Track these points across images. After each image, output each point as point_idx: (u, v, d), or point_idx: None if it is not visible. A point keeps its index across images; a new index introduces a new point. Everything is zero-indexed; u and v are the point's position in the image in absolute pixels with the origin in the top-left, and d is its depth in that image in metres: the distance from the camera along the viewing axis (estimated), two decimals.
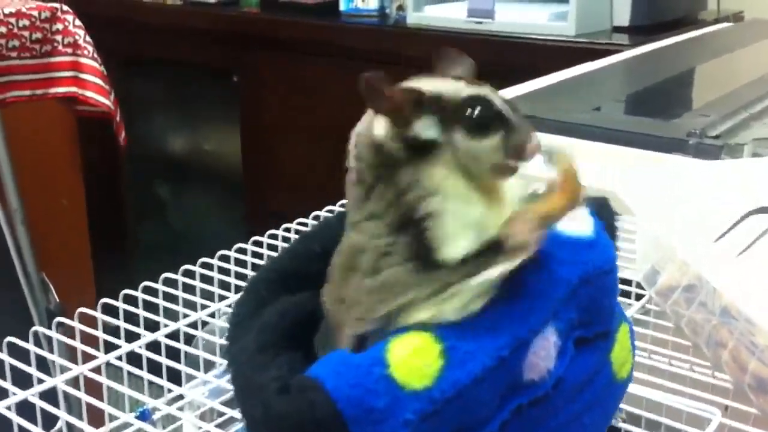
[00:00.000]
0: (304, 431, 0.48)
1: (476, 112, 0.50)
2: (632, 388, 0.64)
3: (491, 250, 0.50)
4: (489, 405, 0.52)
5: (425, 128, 0.50)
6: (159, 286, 0.81)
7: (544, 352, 0.53)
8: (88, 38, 2.12)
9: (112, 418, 0.67)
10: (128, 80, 2.62)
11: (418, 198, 0.50)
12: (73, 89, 2.13)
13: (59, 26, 2.08)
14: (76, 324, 0.76)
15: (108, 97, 2.13)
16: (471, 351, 0.51)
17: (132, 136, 2.19)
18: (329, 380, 0.48)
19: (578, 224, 0.57)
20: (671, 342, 0.81)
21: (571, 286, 0.55)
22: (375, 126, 0.51)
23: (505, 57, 2.06)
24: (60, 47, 2.11)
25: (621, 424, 0.70)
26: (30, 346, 0.71)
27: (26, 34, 2.04)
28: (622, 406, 0.70)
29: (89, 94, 2.14)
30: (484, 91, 0.51)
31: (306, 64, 2.41)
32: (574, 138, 1.15)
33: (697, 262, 0.70)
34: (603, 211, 0.60)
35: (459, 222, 0.50)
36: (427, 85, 0.51)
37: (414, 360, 0.49)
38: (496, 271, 0.49)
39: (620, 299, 0.86)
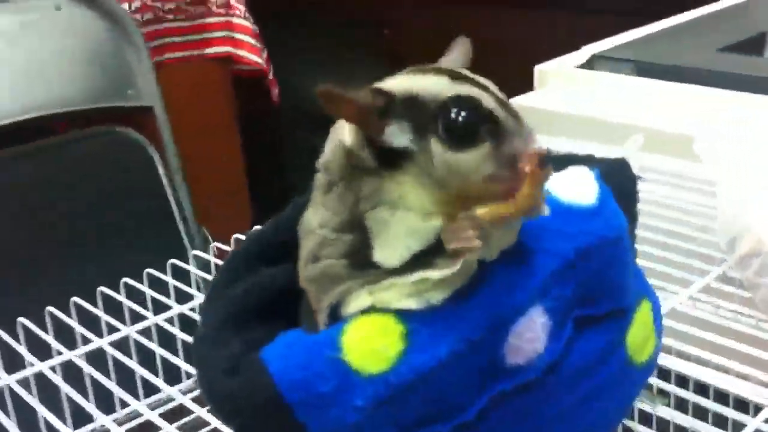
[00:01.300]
0: (244, 414, 0.45)
1: (458, 117, 0.42)
2: None
3: (435, 251, 0.44)
4: (461, 392, 0.46)
5: (395, 135, 0.44)
6: None
7: (530, 334, 0.47)
8: None
9: None
10: (281, 35, 2.64)
11: (374, 207, 0.45)
12: (227, 49, 2.17)
13: None
14: None
15: (260, 55, 2.15)
16: (436, 334, 0.45)
17: (286, 89, 2.21)
18: (274, 362, 0.45)
19: (579, 191, 0.50)
20: None
21: (565, 260, 0.48)
22: (343, 132, 0.46)
23: None
24: (213, 8, 2.15)
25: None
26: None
27: None
28: None
29: (242, 53, 2.17)
30: (471, 89, 0.43)
31: (458, 15, 2.34)
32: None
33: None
34: (616, 175, 0.52)
35: (408, 234, 0.44)
36: (403, 83, 0.45)
37: (370, 343, 0.45)
38: (436, 274, 0.44)
39: (699, 264, 0.78)
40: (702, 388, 0.65)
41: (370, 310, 0.46)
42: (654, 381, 0.65)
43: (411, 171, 0.44)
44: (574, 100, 1.07)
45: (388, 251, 0.45)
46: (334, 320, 0.47)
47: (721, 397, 0.64)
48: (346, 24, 2.60)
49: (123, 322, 0.77)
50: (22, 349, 0.72)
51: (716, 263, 0.75)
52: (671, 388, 0.66)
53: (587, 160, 0.54)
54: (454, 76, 0.44)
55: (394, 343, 0.45)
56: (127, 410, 0.69)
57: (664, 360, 0.65)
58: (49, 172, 1.60)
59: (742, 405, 0.62)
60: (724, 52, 1.15)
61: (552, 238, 0.48)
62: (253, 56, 2.16)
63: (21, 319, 0.75)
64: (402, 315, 0.45)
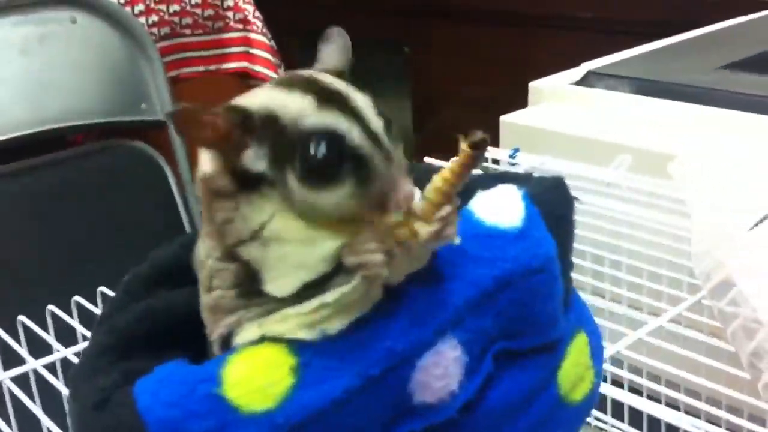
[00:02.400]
0: None
1: (317, 153, 0.37)
2: None
3: (331, 273, 0.39)
4: None
5: (253, 161, 0.39)
6: None
7: (439, 370, 0.42)
8: (257, 14, 2.11)
9: None
10: (307, 53, 2.61)
11: (237, 235, 0.40)
12: (244, 64, 2.14)
13: (230, 3, 2.09)
14: None
15: (276, 71, 2.12)
16: (330, 368, 0.40)
17: None
18: (143, 398, 0.39)
19: (503, 212, 0.44)
20: None
21: (482, 288, 0.42)
22: (202, 159, 0.41)
23: None
24: (231, 23, 2.12)
25: None
26: None
27: (199, 11, 2.06)
28: None
29: (259, 68, 2.14)
30: (337, 119, 0.38)
31: (478, 33, 2.30)
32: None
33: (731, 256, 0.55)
34: (549, 196, 0.46)
35: (288, 264, 0.39)
36: (266, 100, 0.39)
37: (255, 377, 0.40)
38: (333, 295, 0.39)
39: (671, 291, 0.71)
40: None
41: (260, 340, 0.41)
42: (608, 419, 0.60)
43: (271, 197, 0.39)
44: (565, 118, 1.01)
45: (278, 283, 0.40)
46: (226, 351, 0.42)
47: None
48: (367, 42, 2.56)
49: None
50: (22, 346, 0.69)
51: (689, 290, 0.68)
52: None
53: (520, 179, 0.49)
54: (323, 96, 0.39)
55: (283, 378, 0.40)
56: None
57: (626, 398, 0.59)
58: (63, 184, 1.59)
59: None
60: (725, 70, 1.08)
61: (469, 264, 0.43)
62: (270, 72, 2.12)
63: (21, 318, 0.72)
64: (294, 346, 0.40)
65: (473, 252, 0.43)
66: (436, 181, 0.38)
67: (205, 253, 0.42)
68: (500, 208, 0.44)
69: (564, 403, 0.46)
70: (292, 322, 0.40)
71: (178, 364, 0.41)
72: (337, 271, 0.39)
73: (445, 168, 0.39)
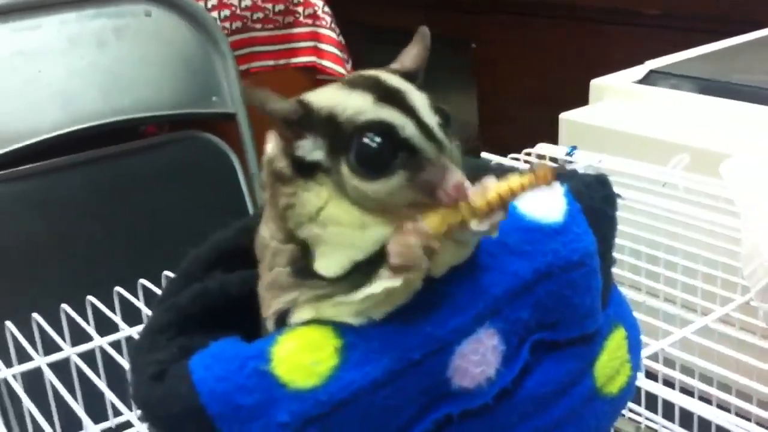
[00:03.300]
0: (165, 422, 0.43)
1: (370, 145, 0.40)
2: None
3: (380, 259, 0.41)
4: (400, 413, 0.43)
5: (309, 150, 0.42)
6: None
7: (477, 357, 0.44)
8: (326, 9, 2.14)
9: None
10: (372, 50, 2.64)
11: (297, 218, 0.43)
12: (313, 59, 2.17)
13: None
14: None
15: (344, 66, 2.15)
16: (373, 351, 0.42)
17: None
18: (198, 371, 0.42)
19: (545, 207, 0.46)
20: None
21: (521, 280, 0.44)
22: (267, 144, 0.44)
23: None
24: (301, 18, 2.15)
25: None
26: None
27: (270, 6, 2.10)
28: None
29: (327, 63, 2.17)
30: (392, 114, 0.40)
31: (543, 28, 2.29)
32: None
33: None
34: (590, 193, 0.48)
35: (339, 244, 0.42)
36: (328, 98, 0.42)
37: (302, 356, 0.42)
38: (380, 287, 0.41)
39: (723, 293, 0.72)
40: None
41: (310, 322, 0.43)
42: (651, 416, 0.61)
43: (327, 184, 0.42)
44: (624, 117, 1.02)
45: (327, 262, 0.42)
46: (280, 329, 0.45)
47: None
48: (434, 39, 2.57)
49: None
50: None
51: (742, 292, 0.69)
52: (676, 429, 0.61)
53: (564, 175, 0.50)
54: (382, 95, 0.41)
55: (328, 358, 0.42)
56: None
57: (668, 394, 0.60)
58: (135, 173, 1.63)
59: None
60: None
61: (509, 256, 0.45)
62: (337, 67, 2.15)
63: (90, 298, 0.77)
64: (339, 329, 0.43)
65: (514, 245, 0.45)
66: (502, 186, 0.40)
67: (270, 234, 0.45)
68: (542, 203, 0.46)
69: (600, 395, 0.48)
70: (342, 309, 0.42)
71: (231, 340, 0.44)
72: (382, 256, 0.41)
73: (515, 178, 0.40)
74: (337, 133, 0.41)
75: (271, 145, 0.44)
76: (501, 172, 0.55)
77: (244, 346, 0.43)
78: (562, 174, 0.41)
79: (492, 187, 0.40)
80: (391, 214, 0.41)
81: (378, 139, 0.40)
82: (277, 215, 0.44)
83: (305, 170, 0.42)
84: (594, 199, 0.48)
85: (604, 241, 0.47)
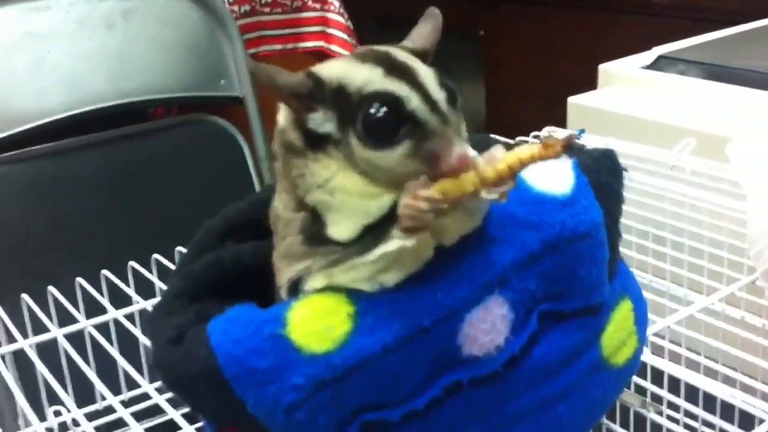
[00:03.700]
0: (183, 384, 0.45)
1: (376, 115, 0.41)
2: None
3: (390, 223, 0.42)
4: (410, 379, 0.45)
5: (320, 122, 0.43)
6: None
7: (487, 325, 0.45)
8: None
9: None
10: (380, 34, 2.64)
11: (308, 187, 0.44)
12: (321, 43, 2.17)
13: None
14: None
15: (352, 50, 2.15)
16: (384, 317, 0.44)
17: None
18: (215, 334, 0.44)
19: (553, 179, 0.47)
20: None
21: (528, 250, 0.46)
22: (279, 115, 0.46)
23: None
24: (309, 2, 2.16)
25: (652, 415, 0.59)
26: None
27: None
28: None
29: (334, 48, 2.18)
30: (400, 86, 0.41)
31: (551, 16, 2.30)
32: None
33: None
34: (598, 166, 0.49)
35: (350, 209, 0.43)
36: (338, 70, 0.43)
37: (316, 321, 0.44)
38: (394, 245, 0.42)
39: (730, 273, 0.73)
40: (709, 399, 0.61)
41: (323, 289, 0.45)
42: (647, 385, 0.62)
43: (336, 156, 0.43)
44: (633, 101, 1.03)
45: (339, 227, 0.44)
46: (293, 297, 0.46)
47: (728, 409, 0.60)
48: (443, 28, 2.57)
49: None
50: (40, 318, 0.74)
51: (745, 272, 0.70)
52: (681, 402, 0.62)
53: (572, 150, 0.51)
54: (391, 68, 0.42)
55: (341, 323, 0.44)
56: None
57: (674, 369, 0.62)
58: (142, 156, 1.64)
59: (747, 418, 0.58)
60: None
61: (517, 227, 0.46)
62: (345, 52, 2.15)
63: (105, 272, 0.78)
64: (352, 295, 0.44)
65: (522, 216, 0.46)
66: (510, 156, 0.41)
67: (283, 205, 0.46)
68: (550, 176, 0.47)
69: (606, 365, 0.49)
70: (357, 272, 0.43)
71: (247, 306, 0.45)
72: (394, 217, 0.42)
73: (525, 148, 0.41)
74: (347, 104, 0.42)
75: (282, 116, 0.45)
76: (507, 146, 0.57)
77: (259, 312, 0.45)
78: (571, 147, 0.42)
79: (501, 157, 0.41)
80: (399, 185, 0.42)
81: (384, 109, 0.41)
82: (289, 185, 0.45)
83: (315, 142, 0.43)
84: (601, 173, 0.49)
85: (610, 213, 0.49)
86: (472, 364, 0.45)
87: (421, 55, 0.45)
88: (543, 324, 0.47)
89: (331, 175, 0.43)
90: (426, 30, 0.47)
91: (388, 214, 0.42)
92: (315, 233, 0.44)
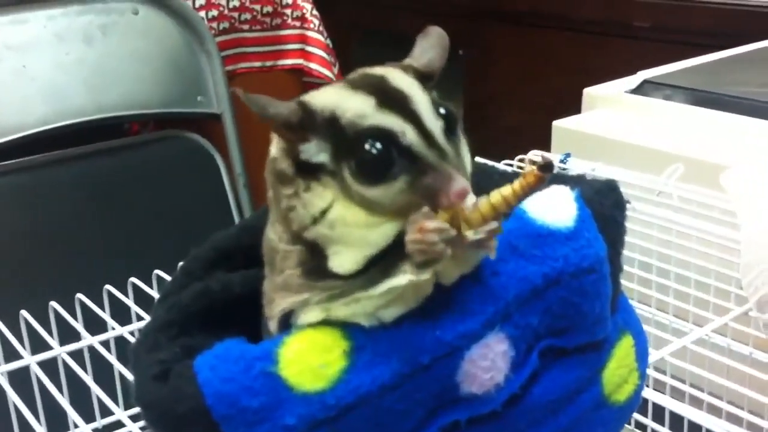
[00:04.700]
0: (168, 424, 0.42)
1: (371, 152, 0.39)
2: None
3: (398, 254, 0.40)
4: (407, 418, 0.42)
5: (314, 153, 0.41)
6: None
7: (487, 363, 0.43)
8: (314, 12, 2.13)
9: None
10: (363, 52, 2.63)
11: (301, 221, 0.42)
12: (300, 61, 2.16)
13: (288, 0, 2.11)
14: None
15: (331, 69, 2.13)
16: (381, 354, 0.41)
17: None
18: (203, 371, 0.41)
19: (555, 212, 0.45)
20: None
21: (531, 285, 0.44)
22: (273, 140, 0.43)
23: None
24: (289, 20, 2.14)
25: None
26: None
27: (257, 7, 2.09)
28: None
29: (313, 66, 2.16)
30: (394, 120, 0.39)
31: (534, 37, 2.29)
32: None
33: None
34: (601, 198, 0.47)
35: (351, 241, 0.41)
36: (330, 99, 0.41)
37: (309, 358, 0.41)
38: (403, 280, 0.40)
39: (718, 301, 0.72)
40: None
41: (319, 323, 0.42)
42: (648, 422, 0.60)
43: (331, 186, 0.41)
44: (618, 126, 1.02)
45: (342, 259, 0.41)
46: (284, 330, 0.44)
47: None
48: None
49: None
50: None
51: (736, 302, 0.69)
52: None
53: (574, 180, 0.50)
54: (384, 98, 0.40)
55: (336, 360, 0.41)
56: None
57: (663, 401, 0.60)
58: (119, 171, 1.62)
59: None
60: None
61: (519, 261, 0.44)
62: (324, 70, 2.14)
63: (79, 296, 0.75)
64: (348, 331, 0.42)
65: (524, 249, 0.44)
66: (494, 196, 0.39)
67: (278, 237, 0.44)
68: (553, 208, 0.45)
69: (607, 403, 0.47)
70: (359, 306, 0.41)
71: (236, 341, 0.43)
72: (398, 247, 0.40)
73: (507, 186, 0.39)
74: (340, 137, 0.40)
75: (274, 145, 0.43)
76: (506, 177, 0.55)
77: (249, 347, 0.42)
78: (549, 169, 0.39)
79: (484, 202, 0.39)
80: (399, 216, 0.40)
81: (378, 146, 0.39)
82: (281, 217, 0.43)
83: (308, 171, 0.41)
84: (604, 205, 0.47)
85: (613, 246, 0.47)
86: (471, 403, 0.43)
87: (424, 74, 0.43)
88: (544, 361, 0.45)
89: (327, 205, 0.41)
90: (434, 53, 0.45)
91: (392, 244, 0.40)
92: (314, 267, 0.41)
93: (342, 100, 0.41)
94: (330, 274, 0.41)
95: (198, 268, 0.50)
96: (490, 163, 0.90)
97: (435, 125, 0.40)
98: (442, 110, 0.41)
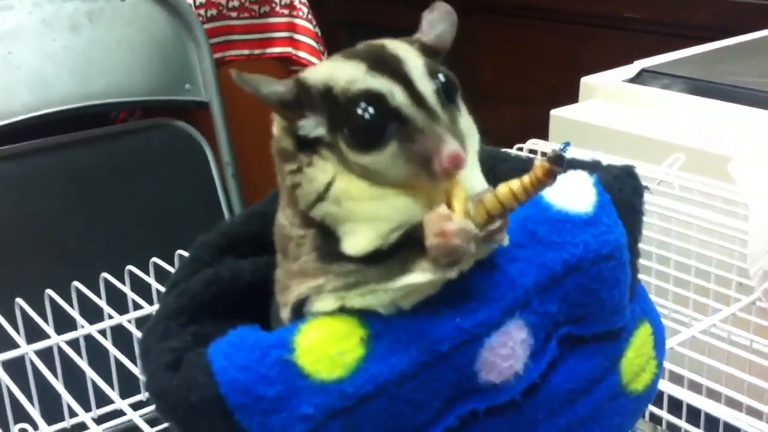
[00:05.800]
0: (181, 413, 0.41)
1: (363, 117, 0.38)
2: None
3: (416, 246, 0.39)
4: (425, 408, 0.41)
5: (311, 128, 0.40)
6: None
7: (506, 351, 0.42)
8: (303, 0, 2.11)
9: None
10: (352, 42, 2.60)
11: (307, 197, 0.41)
12: (288, 49, 2.14)
13: None
14: None
15: (320, 58, 2.12)
16: (400, 342, 0.40)
17: None
18: (217, 360, 0.40)
19: (574, 197, 0.44)
20: None
21: (550, 271, 0.43)
22: (274, 120, 0.43)
23: None
24: (277, 8, 2.12)
25: None
26: None
27: None
28: None
29: (302, 54, 2.14)
30: (383, 83, 0.38)
31: (526, 30, 2.28)
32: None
33: None
34: (619, 184, 0.46)
35: (362, 218, 0.40)
36: (324, 72, 0.40)
37: (326, 346, 0.40)
38: (424, 278, 0.39)
39: (720, 290, 0.71)
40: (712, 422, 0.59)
41: (334, 311, 0.41)
42: (663, 414, 0.59)
43: (330, 159, 0.40)
44: (616, 115, 1.01)
45: (355, 239, 0.40)
46: (297, 318, 0.42)
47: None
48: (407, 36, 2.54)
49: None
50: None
51: (738, 291, 0.68)
52: (682, 424, 0.59)
53: (591, 166, 0.49)
54: (375, 63, 0.39)
55: (353, 348, 0.40)
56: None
57: (678, 392, 0.59)
58: (106, 159, 1.60)
59: None
60: None
61: (538, 248, 0.43)
62: (313, 58, 2.12)
63: (76, 284, 0.74)
64: (365, 318, 0.41)
65: (543, 236, 0.43)
66: (501, 189, 0.38)
67: (289, 222, 0.42)
68: (572, 194, 0.44)
69: (625, 392, 0.46)
70: (376, 297, 0.40)
71: (250, 328, 0.41)
72: (414, 236, 0.39)
73: (515, 181, 0.38)
74: (334, 106, 0.39)
75: (275, 124, 0.42)
76: (516, 162, 0.54)
77: (264, 335, 0.41)
78: (561, 162, 0.38)
79: (489, 197, 0.38)
80: (401, 186, 0.39)
81: (370, 110, 0.38)
82: (289, 198, 0.42)
83: (308, 146, 0.40)
84: (623, 191, 0.46)
85: (631, 232, 0.46)
86: (490, 392, 0.42)
87: (434, 49, 0.42)
88: (561, 349, 0.44)
89: (329, 179, 0.40)
90: (437, 20, 0.43)
91: (406, 237, 0.39)
92: (329, 250, 0.40)
93: (335, 70, 0.40)
94: (344, 256, 0.40)
95: (206, 254, 0.48)
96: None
97: (427, 87, 0.39)
98: (440, 76, 0.40)
